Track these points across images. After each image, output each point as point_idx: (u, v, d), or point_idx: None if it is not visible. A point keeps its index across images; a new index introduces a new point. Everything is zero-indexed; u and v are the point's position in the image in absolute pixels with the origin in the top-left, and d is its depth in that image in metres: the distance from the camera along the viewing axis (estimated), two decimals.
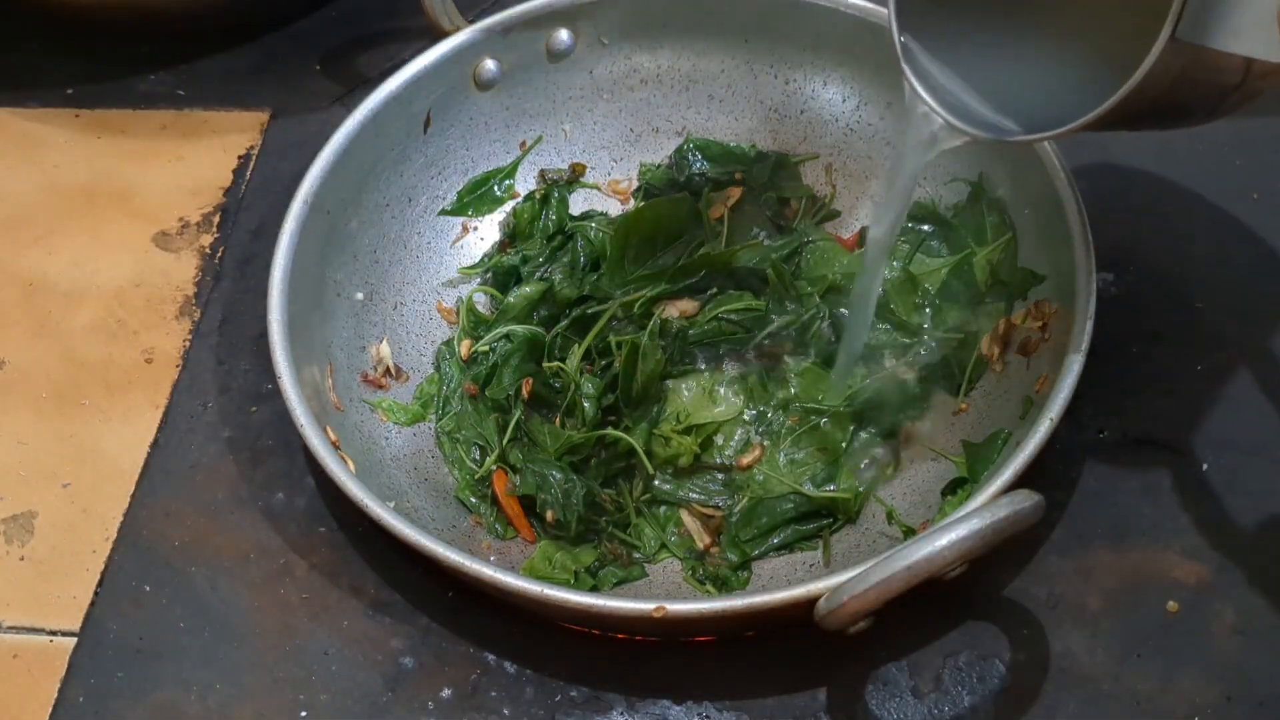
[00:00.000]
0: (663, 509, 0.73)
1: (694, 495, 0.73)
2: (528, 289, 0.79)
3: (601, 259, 0.79)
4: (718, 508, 0.73)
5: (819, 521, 0.72)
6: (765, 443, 0.74)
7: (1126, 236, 0.78)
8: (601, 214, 0.83)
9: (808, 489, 0.72)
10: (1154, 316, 0.76)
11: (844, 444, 0.73)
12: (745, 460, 0.74)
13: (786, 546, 0.71)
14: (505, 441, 0.74)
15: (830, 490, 0.72)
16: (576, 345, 0.76)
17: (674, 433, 0.74)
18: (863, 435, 0.74)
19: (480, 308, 0.81)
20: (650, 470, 0.73)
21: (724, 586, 0.70)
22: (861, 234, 0.81)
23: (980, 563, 0.57)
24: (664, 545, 0.72)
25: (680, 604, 0.59)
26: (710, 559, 0.71)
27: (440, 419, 0.76)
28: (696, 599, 0.65)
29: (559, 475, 0.72)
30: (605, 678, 0.65)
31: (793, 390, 0.75)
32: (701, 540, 0.72)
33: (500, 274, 0.81)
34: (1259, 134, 0.83)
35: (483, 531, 0.72)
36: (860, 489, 0.72)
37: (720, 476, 0.74)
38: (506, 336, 0.77)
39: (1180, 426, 0.71)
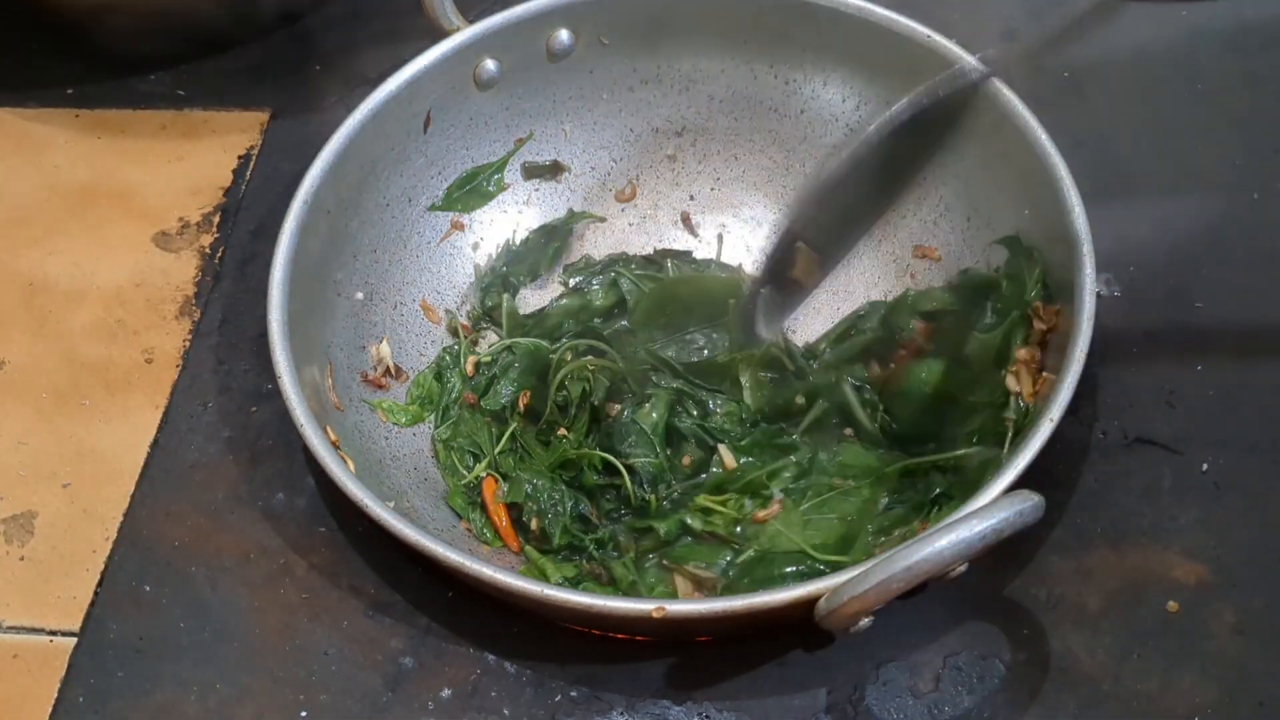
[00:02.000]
0: (652, 567, 0.70)
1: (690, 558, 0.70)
2: (565, 301, 0.80)
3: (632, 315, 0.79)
4: (713, 572, 0.69)
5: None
6: (788, 501, 0.71)
7: (1126, 236, 0.78)
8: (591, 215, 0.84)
9: (817, 553, 0.68)
10: (1154, 316, 0.76)
11: (869, 519, 0.70)
12: (762, 515, 0.70)
13: None
14: (497, 450, 0.74)
15: (839, 558, 0.68)
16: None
17: (714, 503, 0.71)
18: (894, 509, 0.70)
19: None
20: (661, 534, 0.70)
21: None
22: None
23: (980, 563, 0.57)
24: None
25: (680, 604, 0.60)
26: None
27: (438, 427, 0.76)
28: (696, 599, 0.65)
29: (546, 484, 0.71)
30: (605, 678, 0.65)
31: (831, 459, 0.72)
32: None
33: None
34: (1259, 134, 0.83)
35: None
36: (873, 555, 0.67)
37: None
38: (509, 348, 0.77)
39: (1180, 426, 0.71)
